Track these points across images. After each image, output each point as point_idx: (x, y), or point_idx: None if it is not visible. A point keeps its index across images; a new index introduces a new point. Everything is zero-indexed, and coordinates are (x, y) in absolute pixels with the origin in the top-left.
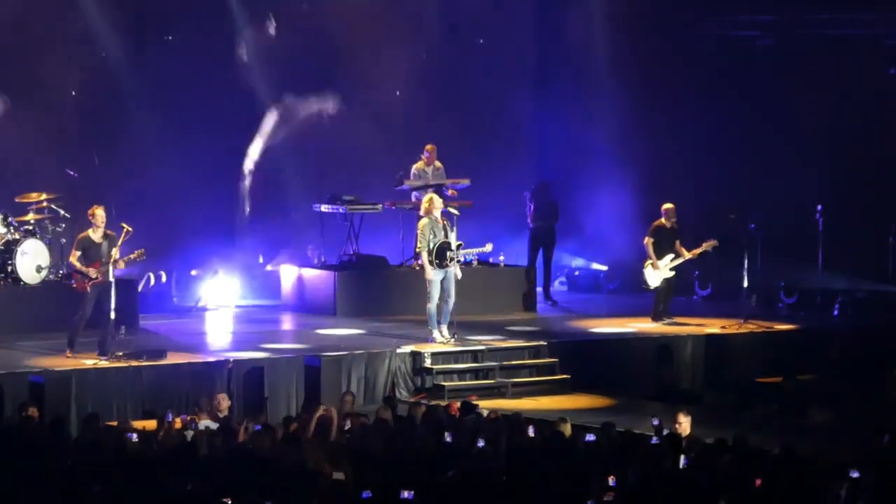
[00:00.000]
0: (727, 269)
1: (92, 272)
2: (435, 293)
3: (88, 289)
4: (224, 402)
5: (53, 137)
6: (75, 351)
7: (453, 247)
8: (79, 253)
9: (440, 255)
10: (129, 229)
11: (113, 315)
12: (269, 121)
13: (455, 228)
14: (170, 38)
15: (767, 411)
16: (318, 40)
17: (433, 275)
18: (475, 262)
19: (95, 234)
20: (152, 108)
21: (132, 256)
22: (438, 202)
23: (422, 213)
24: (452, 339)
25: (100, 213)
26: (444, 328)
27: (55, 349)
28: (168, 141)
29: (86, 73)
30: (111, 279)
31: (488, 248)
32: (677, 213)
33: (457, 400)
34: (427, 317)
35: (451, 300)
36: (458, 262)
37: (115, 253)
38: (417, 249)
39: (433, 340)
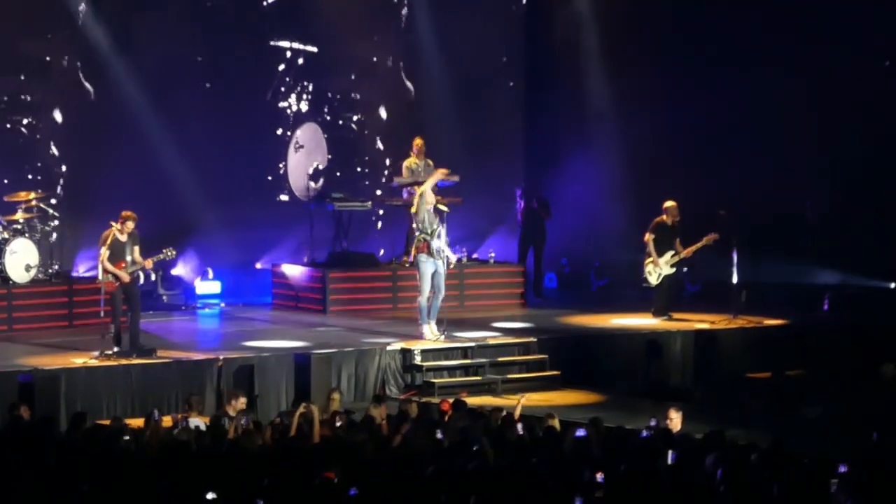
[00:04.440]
0: (717, 264)
1: (124, 276)
2: (426, 286)
3: (116, 288)
4: (241, 402)
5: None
6: (121, 349)
7: (443, 239)
8: (108, 252)
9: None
10: (173, 254)
11: (102, 314)
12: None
13: (444, 225)
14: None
15: (757, 407)
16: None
17: (426, 268)
18: (465, 259)
19: (121, 234)
20: (145, 104)
21: (161, 256)
22: (431, 197)
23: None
24: (442, 337)
25: (130, 224)
26: (433, 325)
27: (44, 348)
28: (158, 137)
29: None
30: (139, 274)
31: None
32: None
33: (447, 397)
34: (418, 310)
35: (441, 295)
36: (446, 256)
37: (149, 262)
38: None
39: (423, 336)
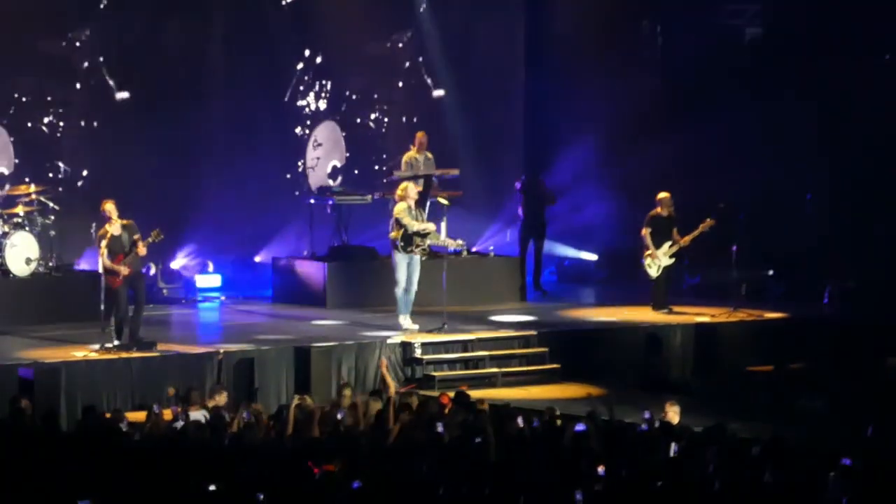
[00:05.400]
0: (717, 257)
1: (123, 270)
2: (402, 277)
3: (120, 284)
4: (222, 397)
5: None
6: (120, 343)
7: (421, 233)
8: (106, 251)
9: (407, 241)
10: (161, 236)
11: (103, 307)
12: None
13: (445, 219)
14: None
15: (757, 400)
16: (305, 33)
17: (399, 258)
18: (465, 252)
19: (113, 228)
20: (162, 102)
21: (150, 240)
22: (413, 191)
23: (397, 198)
24: (415, 328)
25: (109, 207)
26: (409, 317)
27: (45, 342)
28: (156, 131)
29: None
30: (138, 268)
31: (453, 243)
32: (673, 202)
33: (447, 390)
34: (397, 302)
35: (413, 288)
36: (425, 250)
37: (142, 247)
38: (399, 231)
39: (400, 326)
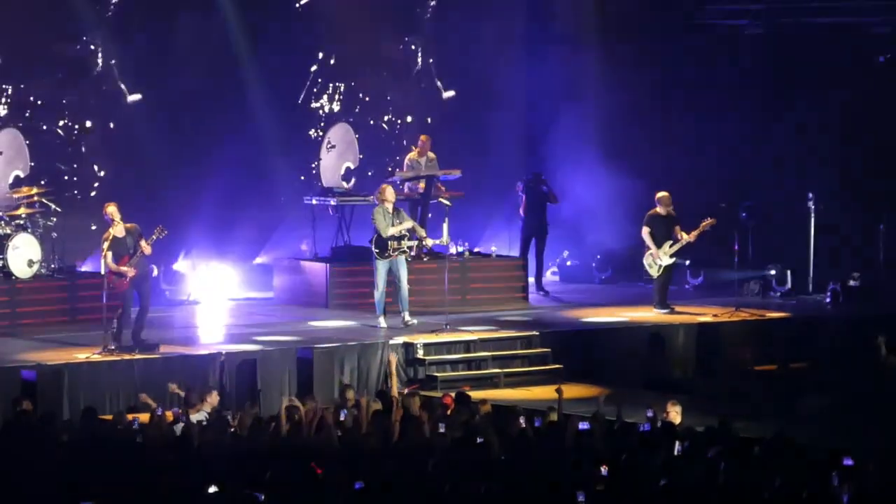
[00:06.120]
0: (718, 257)
1: (129, 271)
2: (379, 282)
3: (126, 287)
4: (214, 397)
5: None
6: (122, 345)
7: (396, 236)
8: (110, 254)
9: (381, 247)
10: (165, 232)
11: (104, 309)
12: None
13: (447, 219)
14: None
15: (759, 399)
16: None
17: (377, 264)
18: (467, 253)
19: (117, 231)
20: (173, 105)
21: (154, 237)
22: (390, 194)
23: (377, 201)
24: (415, 322)
25: (111, 210)
26: (406, 314)
27: (47, 343)
28: (158, 131)
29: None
30: (144, 270)
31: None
32: (673, 202)
33: (449, 391)
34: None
35: (405, 286)
36: (405, 252)
37: (146, 247)
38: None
39: (378, 327)
